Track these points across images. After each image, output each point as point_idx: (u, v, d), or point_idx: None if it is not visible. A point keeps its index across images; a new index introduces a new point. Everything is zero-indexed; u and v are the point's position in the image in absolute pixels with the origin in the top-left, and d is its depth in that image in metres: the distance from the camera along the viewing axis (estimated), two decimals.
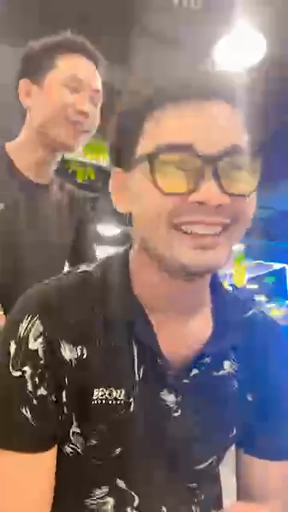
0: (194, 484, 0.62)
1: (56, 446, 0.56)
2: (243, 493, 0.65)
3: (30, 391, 0.53)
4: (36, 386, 0.53)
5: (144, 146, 0.52)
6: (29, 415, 0.52)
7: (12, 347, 0.54)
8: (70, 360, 0.55)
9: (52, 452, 0.55)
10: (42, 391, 0.53)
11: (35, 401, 0.53)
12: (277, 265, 7.30)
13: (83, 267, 0.63)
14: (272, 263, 7.26)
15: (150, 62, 2.67)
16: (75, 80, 1.03)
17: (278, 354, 0.65)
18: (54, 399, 0.54)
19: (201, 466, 0.61)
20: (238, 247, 5.55)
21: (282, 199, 5.20)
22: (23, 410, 0.52)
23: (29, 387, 0.53)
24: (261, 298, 7.28)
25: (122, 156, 0.56)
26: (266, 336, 0.65)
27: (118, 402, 0.55)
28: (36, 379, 0.53)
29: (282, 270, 7.24)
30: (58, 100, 1.03)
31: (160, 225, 0.50)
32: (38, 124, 1.06)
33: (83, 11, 2.26)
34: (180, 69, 0.54)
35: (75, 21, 2.28)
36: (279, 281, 7.31)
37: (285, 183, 4.44)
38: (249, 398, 0.62)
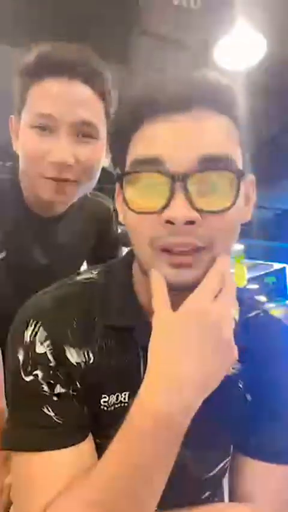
0: (208, 493, 0.61)
1: (90, 434, 0.56)
2: (233, 494, 0.64)
3: (47, 392, 0.53)
4: (52, 386, 0.54)
5: (127, 165, 0.53)
6: (51, 413, 0.53)
7: (21, 353, 0.55)
8: (78, 363, 0.56)
9: (88, 440, 0.55)
10: (59, 389, 0.54)
11: (55, 398, 0.53)
12: (277, 265, 7.29)
13: (87, 273, 0.64)
14: (272, 263, 7.26)
15: (150, 62, 2.67)
16: (45, 117, 0.73)
17: (281, 353, 0.65)
18: (74, 393, 0.55)
19: (212, 473, 0.61)
20: (238, 247, 5.55)
21: (282, 199, 5.20)
22: (45, 410, 0.53)
23: (45, 389, 0.53)
24: (261, 298, 7.26)
25: (118, 171, 0.57)
26: (269, 336, 0.65)
27: (122, 405, 0.56)
28: (50, 380, 0.54)
29: (282, 270, 7.23)
30: (27, 150, 0.78)
31: (143, 243, 0.51)
32: (20, 176, 0.86)
33: (83, 11, 2.26)
34: (162, 79, 0.53)
35: (75, 22, 2.28)
36: (279, 281, 7.30)
37: (285, 183, 4.44)
38: (249, 398, 0.62)
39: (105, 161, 0.85)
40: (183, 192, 0.47)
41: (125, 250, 1.17)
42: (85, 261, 1.14)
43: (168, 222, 0.48)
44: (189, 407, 0.47)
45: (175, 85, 0.51)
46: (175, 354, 0.47)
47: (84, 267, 1.13)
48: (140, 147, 0.51)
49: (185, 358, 0.46)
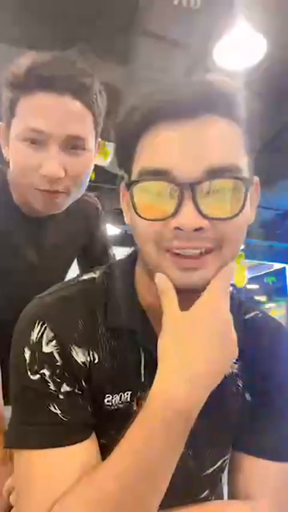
0: (207, 491, 0.62)
1: (94, 433, 0.56)
2: (232, 492, 0.64)
3: (53, 390, 0.54)
4: (58, 385, 0.54)
5: (133, 171, 0.53)
6: (58, 411, 0.53)
7: (27, 353, 0.55)
8: (84, 363, 0.56)
9: (93, 439, 0.56)
10: (65, 388, 0.55)
11: (61, 397, 0.54)
12: (277, 265, 7.30)
13: (89, 274, 0.65)
14: (272, 263, 7.26)
15: (150, 62, 2.67)
16: (35, 132, 0.74)
17: (279, 354, 0.65)
18: (80, 392, 0.56)
19: (211, 470, 0.61)
20: None
21: (282, 199, 5.20)
22: (51, 408, 0.53)
23: (52, 387, 0.54)
24: (261, 298, 7.27)
25: (124, 174, 0.57)
26: (268, 336, 0.65)
27: (125, 405, 0.57)
28: (57, 379, 0.54)
29: (282, 270, 7.24)
30: (18, 162, 0.79)
31: (151, 247, 0.52)
32: (9, 181, 0.88)
33: (83, 11, 2.26)
34: (166, 86, 0.53)
35: (75, 22, 2.28)
36: (279, 281, 7.30)
37: (285, 183, 4.44)
38: (248, 397, 0.63)
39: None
40: (191, 200, 0.48)
41: (118, 249, 1.18)
42: (76, 260, 1.15)
43: (177, 228, 0.49)
44: (198, 400, 0.49)
45: (183, 91, 0.51)
46: (185, 350, 0.49)
47: (75, 265, 1.15)
48: (147, 157, 0.51)
49: (195, 354, 0.48)
